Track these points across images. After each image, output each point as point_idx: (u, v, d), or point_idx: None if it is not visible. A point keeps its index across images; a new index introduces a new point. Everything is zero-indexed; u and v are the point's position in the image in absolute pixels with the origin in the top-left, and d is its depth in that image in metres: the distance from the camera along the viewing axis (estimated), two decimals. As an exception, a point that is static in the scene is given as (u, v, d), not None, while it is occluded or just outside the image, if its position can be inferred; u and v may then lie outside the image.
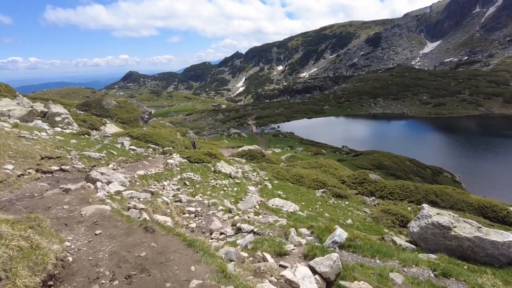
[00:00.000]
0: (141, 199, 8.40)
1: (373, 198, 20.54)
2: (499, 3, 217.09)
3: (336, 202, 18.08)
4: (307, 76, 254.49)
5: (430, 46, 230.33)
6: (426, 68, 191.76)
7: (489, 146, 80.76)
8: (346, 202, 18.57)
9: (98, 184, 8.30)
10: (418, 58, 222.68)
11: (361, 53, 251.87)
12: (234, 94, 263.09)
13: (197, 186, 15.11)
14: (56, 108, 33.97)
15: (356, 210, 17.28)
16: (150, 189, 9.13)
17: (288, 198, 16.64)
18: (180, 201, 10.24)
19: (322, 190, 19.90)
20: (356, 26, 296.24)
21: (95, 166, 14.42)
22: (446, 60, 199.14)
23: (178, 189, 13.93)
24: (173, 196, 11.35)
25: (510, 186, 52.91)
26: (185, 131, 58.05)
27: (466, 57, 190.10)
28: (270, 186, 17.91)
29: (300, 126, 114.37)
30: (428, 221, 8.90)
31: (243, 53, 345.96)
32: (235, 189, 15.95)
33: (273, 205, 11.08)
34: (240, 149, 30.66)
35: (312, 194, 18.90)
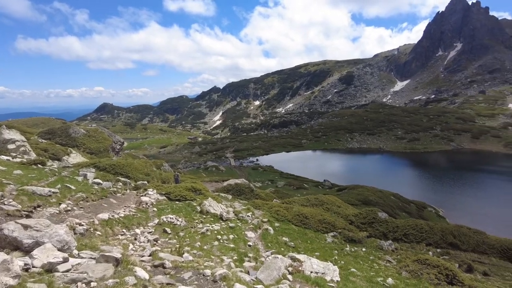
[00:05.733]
0: (92, 283, 4.47)
1: (390, 242, 17.33)
2: (459, 48, 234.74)
3: (352, 250, 14.69)
4: (283, 111, 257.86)
5: (400, 85, 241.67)
6: (397, 105, 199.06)
7: (467, 181, 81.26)
8: (363, 249, 15.22)
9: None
10: (389, 96, 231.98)
11: (335, 90, 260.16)
12: (211, 127, 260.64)
13: (181, 234, 11.30)
14: (10, 135, 29.17)
15: (379, 259, 13.93)
16: (113, 255, 5.31)
17: (297, 247, 13.10)
18: (163, 266, 6.49)
19: (332, 233, 16.49)
20: (330, 65, 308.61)
21: (39, 206, 10.40)
22: (415, 98, 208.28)
23: (156, 240, 10.05)
24: (150, 256, 7.52)
25: (492, 220, 51.87)
26: (160, 164, 53.62)
27: (433, 96, 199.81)
28: (272, 230, 14.33)
29: (279, 160, 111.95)
30: None
31: (221, 87, 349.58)
32: (231, 236, 12.24)
33: (311, 272, 7.55)
34: (225, 183, 27.00)
35: (322, 239, 15.44)
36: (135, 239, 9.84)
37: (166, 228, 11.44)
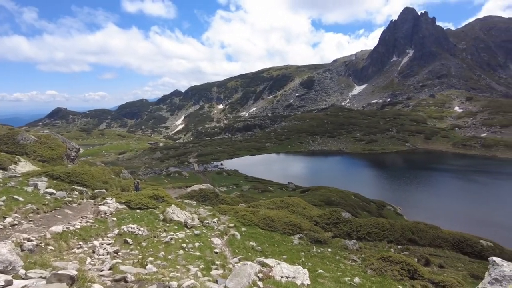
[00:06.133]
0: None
1: (354, 241, 17.78)
2: (411, 55, 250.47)
3: (319, 251, 14.84)
4: (247, 115, 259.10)
5: (357, 89, 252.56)
6: (356, 108, 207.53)
7: (421, 179, 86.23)
8: (329, 250, 15.44)
9: None
10: (348, 100, 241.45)
11: (296, 94, 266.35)
12: (173, 132, 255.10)
13: (144, 244, 10.71)
14: None
15: (344, 258, 14.20)
16: (68, 272, 4.74)
17: (264, 251, 12.97)
18: (125, 280, 6.00)
19: (298, 235, 16.57)
20: (291, 69, 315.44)
21: (-20, 222, 9.36)
22: (372, 101, 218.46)
23: (116, 252, 9.41)
24: (110, 270, 6.95)
25: (444, 215, 55.52)
26: (118, 171, 51.34)
27: (389, 99, 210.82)
28: (238, 235, 14.08)
29: (243, 164, 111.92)
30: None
31: (183, 91, 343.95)
32: (197, 244, 11.82)
33: (282, 277, 7.36)
34: (189, 189, 26.29)
35: (288, 241, 15.46)
36: (94, 252, 9.12)
37: (127, 239, 10.79)
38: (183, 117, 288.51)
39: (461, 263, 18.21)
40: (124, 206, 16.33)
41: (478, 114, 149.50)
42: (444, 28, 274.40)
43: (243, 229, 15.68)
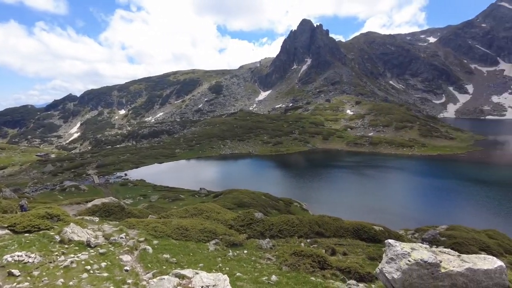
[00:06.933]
0: None
1: (268, 240, 18.37)
2: (309, 63, 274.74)
3: (235, 254, 14.87)
4: (153, 120, 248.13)
5: (263, 94, 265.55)
6: (262, 113, 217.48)
7: (322, 176, 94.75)
8: (245, 251, 15.62)
9: None
10: (255, 104, 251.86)
11: (205, 99, 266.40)
12: (67, 141, 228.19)
13: (36, 273, 9.11)
14: None
15: (260, 258, 14.54)
16: None
17: (179, 262, 12.39)
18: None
19: (213, 241, 16.32)
20: (199, 74, 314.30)
21: None
22: (276, 106, 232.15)
23: (-3, 289, 7.79)
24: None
25: (344, 206, 62.22)
26: (-2, 190, 43.51)
27: (291, 104, 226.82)
28: (150, 249, 13.14)
29: (151, 173, 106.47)
30: (410, 260, 6.92)
31: (78, 95, 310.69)
32: (103, 264, 10.59)
33: (202, 286, 6.96)
34: (89, 204, 23.60)
35: (204, 249, 15.09)
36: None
37: (13, 270, 8.99)
38: (78, 125, 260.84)
39: (360, 249, 20.52)
40: (7, 231, 13.73)
41: (366, 116, 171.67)
42: (336, 40, 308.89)
43: (155, 242, 14.74)
